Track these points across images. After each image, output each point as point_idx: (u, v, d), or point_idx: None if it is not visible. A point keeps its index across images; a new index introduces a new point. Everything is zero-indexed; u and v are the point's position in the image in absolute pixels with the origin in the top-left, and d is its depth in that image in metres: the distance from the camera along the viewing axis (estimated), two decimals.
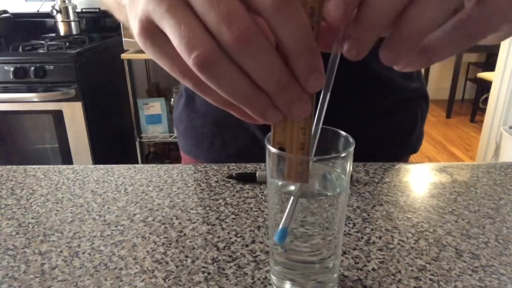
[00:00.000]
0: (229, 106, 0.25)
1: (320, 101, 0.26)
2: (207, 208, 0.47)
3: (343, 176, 0.31)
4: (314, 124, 0.27)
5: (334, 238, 0.31)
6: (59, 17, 2.12)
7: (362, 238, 0.41)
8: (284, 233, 0.28)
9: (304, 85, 0.22)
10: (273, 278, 0.34)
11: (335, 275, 0.33)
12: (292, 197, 0.28)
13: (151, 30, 0.23)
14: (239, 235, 0.41)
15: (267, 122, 0.24)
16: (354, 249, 0.39)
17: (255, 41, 0.20)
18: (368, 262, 0.37)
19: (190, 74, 0.23)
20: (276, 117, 0.23)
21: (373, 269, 0.36)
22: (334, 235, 0.31)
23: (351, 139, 0.31)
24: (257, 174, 0.52)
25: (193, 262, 0.37)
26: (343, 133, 0.32)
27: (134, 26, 0.23)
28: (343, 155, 0.30)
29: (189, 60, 0.21)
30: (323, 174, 0.32)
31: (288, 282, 0.33)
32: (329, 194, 0.32)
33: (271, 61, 0.21)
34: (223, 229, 0.43)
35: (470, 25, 0.23)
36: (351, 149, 0.30)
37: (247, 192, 0.50)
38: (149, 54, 0.24)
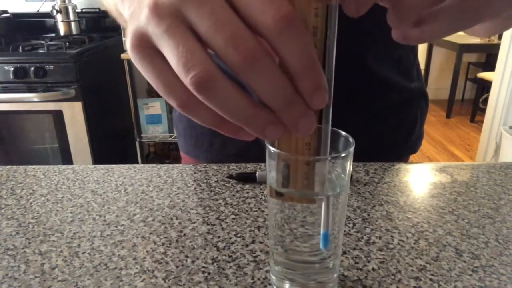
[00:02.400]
0: (218, 125, 0.25)
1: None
2: (207, 208, 0.47)
3: (343, 176, 0.31)
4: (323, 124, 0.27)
5: (334, 238, 0.31)
6: (59, 17, 2.12)
7: (362, 238, 0.41)
8: (327, 237, 0.28)
9: (309, 102, 0.22)
10: (273, 278, 0.34)
11: (335, 275, 0.33)
12: (324, 198, 0.28)
13: (144, 45, 0.23)
14: (239, 235, 0.41)
15: (266, 139, 0.24)
16: (354, 249, 0.39)
17: (262, 60, 0.21)
18: (368, 262, 0.37)
19: (176, 93, 0.23)
20: (275, 134, 0.23)
21: (373, 269, 0.36)
22: (334, 235, 0.31)
23: (351, 139, 0.31)
24: (257, 174, 0.52)
25: (193, 262, 0.37)
26: (343, 133, 0.32)
27: (128, 39, 0.23)
28: (343, 155, 0.30)
29: (186, 79, 0.21)
30: (322, 175, 0.32)
31: (288, 282, 0.33)
32: (329, 194, 0.32)
33: (277, 79, 0.21)
34: (223, 229, 0.43)
35: (459, 9, 0.25)
36: (351, 149, 0.30)
37: (247, 192, 0.50)
38: (138, 68, 0.24)
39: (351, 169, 0.31)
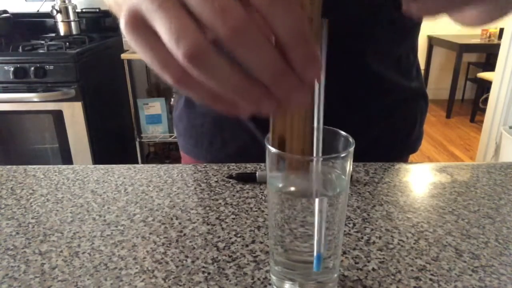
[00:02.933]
0: (214, 101, 0.24)
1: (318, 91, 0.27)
2: (207, 208, 0.47)
3: (343, 176, 0.31)
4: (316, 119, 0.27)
5: (334, 238, 0.31)
6: (59, 17, 2.12)
7: (362, 238, 0.41)
8: (319, 259, 0.28)
9: (302, 73, 0.22)
10: (273, 278, 0.34)
11: (335, 275, 0.33)
12: (316, 220, 0.28)
13: (139, 23, 0.23)
14: (239, 235, 0.41)
15: (262, 112, 0.24)
16: (354, 249, 0.39)
17: (250, 31, 0.21)
18: (368, 262, 0.37)
19: (171, 69, 0.23)
20: (270, 106, 0.23)
21: (373, 269, 0.36)
22: (334, 235, 0.31)
23: (351, 139, 0.31)
24: (257, 174, 0.52)
25: (193, 262, 0.37)
26: (343, 133, 0.32)
27: (123, 17, 0.23)
28: (343, 155, 0.30)
29: (178, 53, 0.21)
30: (323, 174, 0.32)
31: (288, 282, 0.33)
32: (329, 194, 0.32)
33: (267, 51, 0.21)
34: (223, 229, 0.43)
35: None
36: (351, 149, 0.30)
37: (247, 192, 0.50)
38: (132, 45, 0.24)
39: (351, 169, 0.31)
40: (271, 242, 0.33)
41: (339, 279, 0.35)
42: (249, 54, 0.21)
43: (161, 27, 0.22)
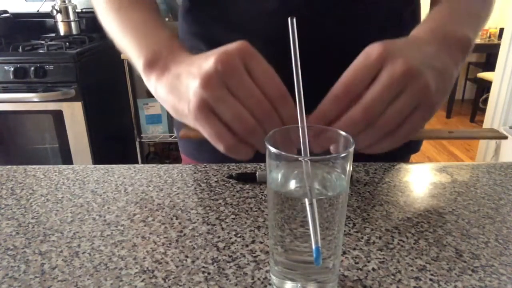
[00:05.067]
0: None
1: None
2: (207, 208, 0.47)
3: (343, 176, 0.31)
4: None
5: (334, 238, 0.31)
6: (59, 17, 2.12)
7: (362, 238, 0.41)
8: (319, 252, 0.29)
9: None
10: (273, 278, 0.34)
11: (335, 275, 0.33)
12: (309, 213, 0.28)
13: (208, 109, 0.35)
14: (239, 235, 0.41)
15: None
16: (354, 249, 0.39)
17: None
18: (368, 262, 0.37)
19: (226, 140, 0.36)
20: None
21: (373, 269, 0.36)
22: (334, 235, 0.31)
23: (351, 139, 0.31)
24: (257, 174, 0.52)
25: (193, 262, 0.37)
26: (343, 133, 0.32)
27: (191, 104, 0.36)
28: (343, 155, 0.30)
29: (236, 130, 0.36)
30: (323, 174, 0.32)
31: (288, 282, 0.33)
32: (329, 194, 0.32)
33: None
34: (223, 229, 0.43)
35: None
36: (351, 149, 0.30)
37: (247, 192, 0.50)
38: (197, 124, 0.37)
39: (351, 169, 0.31)
40: (271, 242, 0.33)
41: (339, 279, 0.35)
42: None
43: (225, 114, 0.35)
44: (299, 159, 0.30)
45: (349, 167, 0.30)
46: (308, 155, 0.31)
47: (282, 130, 0.33)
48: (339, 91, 0.37)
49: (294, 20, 0.33)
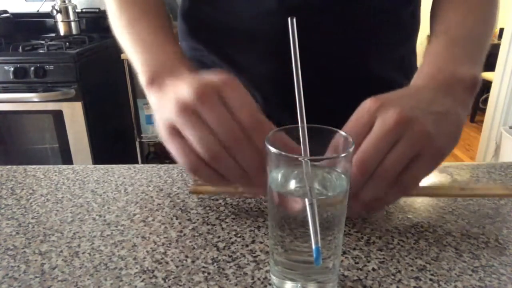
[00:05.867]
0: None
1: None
2: (207, 208, 0.47)
3: (343, 176, 0.31)
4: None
5: (334, 238, 0.31)
6: (59, 17, 2.12)
7: (362, 238, 0.41)
8: (318, 252, 0.29)
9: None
10: (273, 278, 0.34)
11: (335, 275, 0.33)
12: (309, 213, 0.28)
13: (175, 132, 0.37)
14: (239, 235, 0.41)
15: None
16: (354, 249, 0.39)
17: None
18: (368, 262, 0.37)
19: (192, 163, 0.37)
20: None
21: (373, 269, 0.36)
22: (334, 235, 0.31)
23: (350, 139, 0.31)
24: None
25: (193, 262, 0.37)
26: (343, 133, 0.32)
27: (161, 126, 0.39)
28: (343, 155, 0.30)
29: (202, 154, 0.36)
30: (323, 174, 0.32)
31: (288, 282, 0.33)
32: (329, 194, 0.32)
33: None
34: (223, 229, 0.43)
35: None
36: (351, 149, 0.30)
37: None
38: (168, 147, 0.39)
39: (351, 169, 0.31)
40: (271, 242, 0.33)
41: (339, 279, 0.35)
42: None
43: (189, 137, 0.36)
44: (299, 159, 0.30)
45: (349, 167, 0.30)
46: (308, 155, 0.31)
47: (282, 130, 0.33)
48: (332, 149, 0.37)
49: (294, 20, 0.33)
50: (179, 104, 0.36)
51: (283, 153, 0.29)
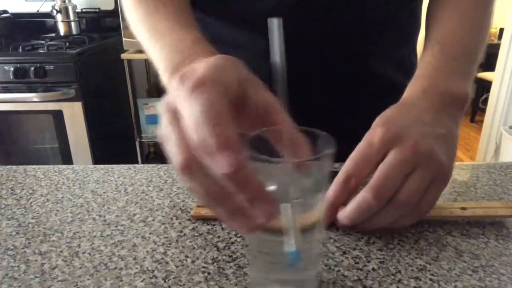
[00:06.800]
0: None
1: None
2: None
3: (321, 178, 0.30)
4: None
5: (312, 242, 0.31)
6: (59, 17, 2.12)
7: (362, 238, 0.41)
8: (296, 255, 0.28)
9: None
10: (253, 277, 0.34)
11: (314, 274, 0.33)
12: (285, 219, 0.28)
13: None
14: (239, 235, 0.41)
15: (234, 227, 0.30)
16: (354, 249, 0.39)
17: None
18: (368, 262, 0.37)
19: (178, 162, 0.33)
20: (240, 223, 0.29)
21: (373, 269, 0.36)
22: (311, 239, 0.30)
23: (330, 140, 0.29)
24: None
25: (193, 262, 0.37)
26: (322, 133, 0.30)
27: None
28: (321, 157, 0.28)
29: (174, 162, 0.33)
30: (300, 177, 0.30)
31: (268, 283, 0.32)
32: (306, 196, 0.30)
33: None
34: (223, 229, 0.43)
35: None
36: (331, 150, 0.28)
37: None
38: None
39: (329, 171, 0.30)
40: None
41: (339, 279, 0.35)
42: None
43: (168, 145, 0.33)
44: (276, 161, 0.29)
45: (327, 169, 0.29)
46: (286, 157, 0.30)
47: (261, 133, 0.31)
48: (343, 178, 0.38)
49: (276, 20, 0.31)
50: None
51: (260, 156, 0.27)
